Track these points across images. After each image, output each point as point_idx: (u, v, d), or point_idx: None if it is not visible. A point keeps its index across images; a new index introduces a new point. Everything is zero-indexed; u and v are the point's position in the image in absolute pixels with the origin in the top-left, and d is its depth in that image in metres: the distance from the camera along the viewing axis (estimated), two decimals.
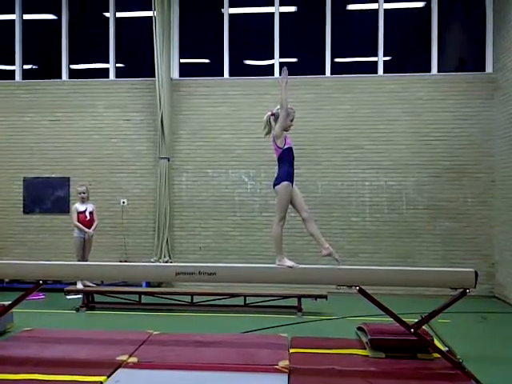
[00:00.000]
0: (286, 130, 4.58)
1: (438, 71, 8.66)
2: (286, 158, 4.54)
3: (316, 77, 8.81)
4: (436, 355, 4.54)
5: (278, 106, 4.57)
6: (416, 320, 4.61)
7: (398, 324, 4.51)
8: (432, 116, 8.54)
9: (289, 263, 4.47)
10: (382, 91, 8.64)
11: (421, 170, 8.53)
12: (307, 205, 4.73)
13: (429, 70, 8.68)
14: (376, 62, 8.76)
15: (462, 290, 4.34)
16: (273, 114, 4.63)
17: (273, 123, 4.63)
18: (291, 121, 4.61)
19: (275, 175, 4.60)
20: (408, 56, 9.16)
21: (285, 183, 4.47)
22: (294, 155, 4.60)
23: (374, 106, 8.63)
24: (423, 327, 4.62)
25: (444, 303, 4.53)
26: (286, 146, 4.53)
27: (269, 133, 4.68)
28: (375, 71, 8.75)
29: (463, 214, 8.46)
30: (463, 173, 8.47)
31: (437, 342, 4.77)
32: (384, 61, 8.74)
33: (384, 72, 8.73)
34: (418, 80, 8.63)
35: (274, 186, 4.55)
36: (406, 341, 4.61)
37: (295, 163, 4.62)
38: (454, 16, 8.95)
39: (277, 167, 4.61)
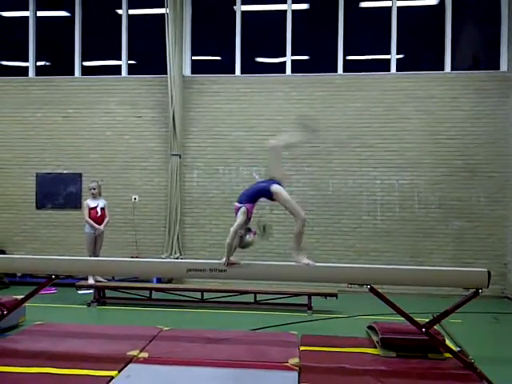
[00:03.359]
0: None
1: (452, 69, 8.59)
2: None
3: (328, 74, 8.77)
4: (447, 355, 4.51)
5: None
6: (427, 320, 4.57)
7: (409, 323, 4.49)
8: (445, 114, 8.47)
9: (305, 261, 4.46)
10: (395, 89, 8.58)
11: (433, 168, 8.47)
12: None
13: (442, 68, 8.61)
14: (389, 60, 8.70)
15: (474, 290, 4.31)
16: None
17: None
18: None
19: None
20: (421, 54, 9.08)
21: (274, 185, 4.49)
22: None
23: (386, 104, 8.57)
24: (435, 327, 4.59)
25: (456, 303, 4.49)
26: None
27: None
28: (388, 69, 8.69)
29: (476, 214, 8.38)
30: (476, 172, 8.40)
31: (448, 342, 4.73)
32: (397, 59, 8.68)
33: (397, 70, 8.67)
34: (432, 78, 8.56)
35: (271, 197, 4.51)
36: (418, 340, 4.58)
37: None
38: (468, 13, 8.85)
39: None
